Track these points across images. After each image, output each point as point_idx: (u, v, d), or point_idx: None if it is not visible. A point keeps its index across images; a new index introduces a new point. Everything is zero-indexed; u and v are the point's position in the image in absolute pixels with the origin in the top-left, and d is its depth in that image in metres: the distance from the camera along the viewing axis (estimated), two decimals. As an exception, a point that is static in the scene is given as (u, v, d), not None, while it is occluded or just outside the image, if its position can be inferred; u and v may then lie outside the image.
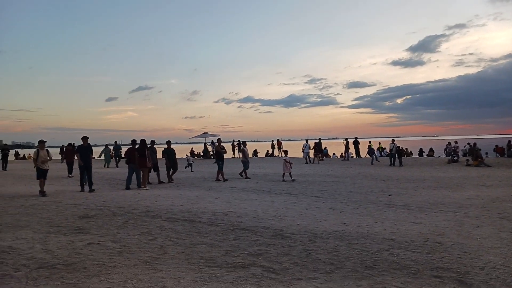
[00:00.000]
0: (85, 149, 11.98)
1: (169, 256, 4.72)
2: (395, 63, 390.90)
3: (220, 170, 14.40)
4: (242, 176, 15.32)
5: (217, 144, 15.24)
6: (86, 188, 11.76)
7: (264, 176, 16.24)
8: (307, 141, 25.40)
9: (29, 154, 52.34)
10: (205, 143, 33.29)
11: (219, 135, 35.17)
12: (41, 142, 11.39)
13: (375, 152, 25.01)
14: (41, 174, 11.00)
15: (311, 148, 25.19)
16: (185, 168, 20.15)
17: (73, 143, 17.65)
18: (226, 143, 15.39)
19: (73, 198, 10.02)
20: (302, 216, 7.39)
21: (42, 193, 10.70)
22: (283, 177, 14.31)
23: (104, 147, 24.55)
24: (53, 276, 3.98)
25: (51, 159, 11.24)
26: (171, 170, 14.44)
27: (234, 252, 4.90)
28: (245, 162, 15.57)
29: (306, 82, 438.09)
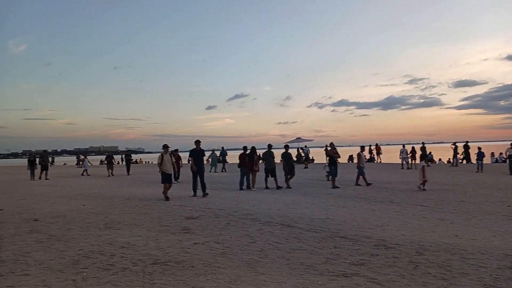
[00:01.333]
0: (197, 153, 11.90)
1: (270, 260, 4.80)
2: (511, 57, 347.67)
3: (334, 175, 13.71)
4: (361, 184, 14.26)
5: (329, 148, 14.32)
6: (199, 192, 11.71)
7: (360, 182, 15.69)
8: (404, 146, 24.58)
9: (140, 159, 57.94)
10: (298, 148, 33.39)
11: (312, 139, 35.05)
12: (165, 147, 11.53)
13: (485, 157, 22.45)
14: (166, 179, 11.21)
15: (408, 153, 23.97)
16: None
17: (177, 149, 19.27)
18: (319, 148, 14.92)
19: (179, 200, 10.80)
20: (406, 226, 6.95)
21: (166, 198, 10.91)
22: (423, 186, 12.39)
23: (211, 152, 25.91)
24: (166, 272, 4.32)
25: (173, 163, 11.65)
26: (289, 175, 14.01)
27: (335, 260, 4.80)
28: (361, 168, 14.34)
29: (406, 83, 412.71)
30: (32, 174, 21.47)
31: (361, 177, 14.29)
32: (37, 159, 22.59)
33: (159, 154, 11.69)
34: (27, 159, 24.25)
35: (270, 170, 13.44)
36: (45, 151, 24.09)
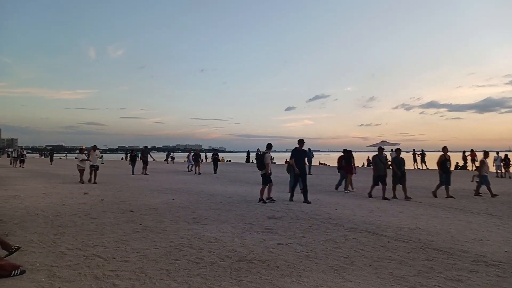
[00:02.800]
0: (300, 153, 10.79)
1: (356, 267, 4.64)
2: None
3: (446, 184, 12.34)
4: (482, 194, 12.82)
5: (442, 153, 12.81)
6: (296, 197, 11.06)
7: (454, 191, 14.50)
8: (497, 152, 22.82)
9: (222, 157, 60.06)
10: (345, 150, 31.79)
11: (399, 143, 33.26)
12: (270, 147, 10.87)
13: None
14: (270, 179, 10.69)
15: (502, 160, 21.93)
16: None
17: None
18: (404, 153, 13.77)
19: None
20: (510, 243, 6.26)
21: (268, 198, 10.58)
22: None
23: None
24: (252, 270, 4.40)
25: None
26: (398, 184, 12.42)
27: (427, 273, 4.48)
28: (485, 176, 12.77)
29: (507, 83, 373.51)
30: (133, 168, 22.89)
31: (478, 186, 12.91)
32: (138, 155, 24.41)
33: (265, 153, 10.73)
34: (128, 154, 26.34)
35: (380, 177, 12.17)
36: (145, 147, 25.56)
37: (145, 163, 23.28)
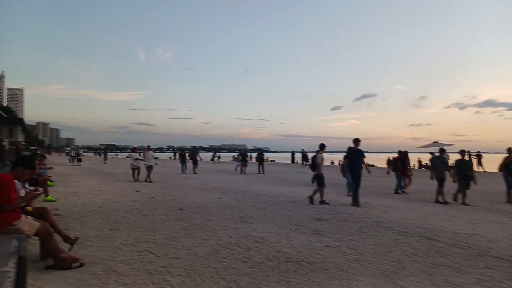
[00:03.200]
0: (356, 153, 10.16)
1: (409, 273, 4.46)
2: None
3: (509, 188, 11.56)
4: None
5: (507, 155, 11.77)
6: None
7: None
8: None
9: (267, 157, 60.13)
10: (432, 153, 30.47)
11: (451, 144, 31.67)
12: (323, 147, 10.52)
13: None
14: (324, 181, 10.34)
15: None
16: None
17: (302, 149, 19.40)
18: (456, 154, 12.80)
19: (306, 200, 10.82)
20: None
21: (323, 201, 10.08)
22: None
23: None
24: (300, 272, 4.36)
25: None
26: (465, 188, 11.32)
27: (487, 282, 4.22)
28: None
29: None
30: (184, 167, 23.69)
31: None
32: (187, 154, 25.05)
33: (315, 153, 10.40)
34: (178, 153, 27.02)
35: (439, 180, 11.38)
36: (194, 147, 26.03)
37: (195, 162, 23.69)
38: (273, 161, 53.12)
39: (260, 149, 39.29)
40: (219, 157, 47.18)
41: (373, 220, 7.96)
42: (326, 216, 8.22)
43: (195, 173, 22.59)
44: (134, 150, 18.51)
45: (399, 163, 14.12)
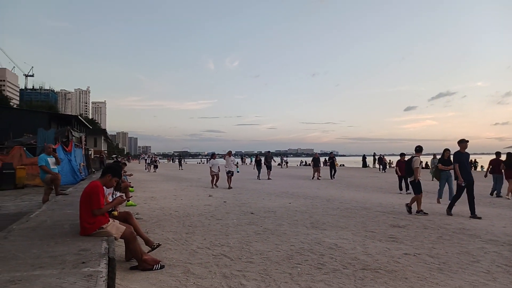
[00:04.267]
0: (465, 157, 9.04)
1: (500, 285, 4.08)
2: None
3: None
4: None
5: None
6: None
7: None
8: None
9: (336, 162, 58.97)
10: (509, 153, 27.41)
11: (545, 144, 28.51)
12: (420, 149, 9.49)
13: None
14: (420, 188, 9.24)
15: None
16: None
17: (374, 153, 18.50)
18: None
19: (380, 206, 10.44)
20: None
21: (421, 211, 9.04)
22: None
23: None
24: (377, 280, 4.19)
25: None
26: None
27: None
28: None
29: None
30: (259, 173, 23.28)
31: None
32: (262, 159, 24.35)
33: (414, 157, 9.42)
34: (252, 159, 26.67)
35: None
36: (268, 152, 25.32)
37: (269, 168, 23.19)
38: (343, 165, 51.79)
39: (332, 152, 37.17)
40: (286, 162, 47.18)
41: (455, 227, 7.43)
42: (403, 223, 7.83)
43: (269, 178, 22.15)
44: (213, 156, 18.22)
45: (503, 165, 13.16)
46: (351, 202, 11.34)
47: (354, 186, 17.70)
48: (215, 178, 16.75)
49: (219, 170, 16.93)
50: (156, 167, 35.04)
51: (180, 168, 39.61)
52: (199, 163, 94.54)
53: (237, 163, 18.00)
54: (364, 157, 43.40)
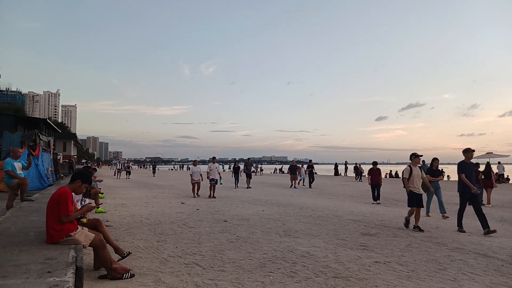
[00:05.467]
0: (470, 169, 8.44)
1: (466, 293, 4.21)
2: None
3: None
4: None
5: None
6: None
7: None
8: None
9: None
10: (488, 164, 28.70)
11: (508, 155, 29.89)
12: (416, 156, 8.64)
13: None
14: (415, 201, 8.36)
15: None
16: None
17: (346, 161, 18.70)
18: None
19: (352, 214, 10.60)
20: None
21: (417, 227, 8.15)
22: None
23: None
24: (349, 288, 4.23)
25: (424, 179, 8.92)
26: None
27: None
28: None
29: None
30: (237, 181, 22.09)
31: None
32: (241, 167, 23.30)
33: (406, 166, 8.88)
34: (232, 166, 25.00)
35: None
36: (248, 159, 23.73)
37: (249, 176, 21.84)
38: (315, 173, 52.28)
39: (311, 160, 35.71)
40: (261, 170, 47.29)
41: (424, 235, 7.63)
42: (373, 231, 7.97)
43: (249, 187, 21.17)
44: (194, 163, 17.01)
45: (482, 175, 13.92)
46: (323, 210, 11.46)
47: (326, 194, 17.91)
48: (196, 186, 15.64)
49: (201, 178, 15.83)
50: (129, 173, 34.23)
51: (153, 175, 38.94)
52: (172, 169, 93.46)
53: (221, 171, 17.21)
54: (336, 165, 44.07)
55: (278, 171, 68.74)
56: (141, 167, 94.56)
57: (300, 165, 25.10)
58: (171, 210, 10.82)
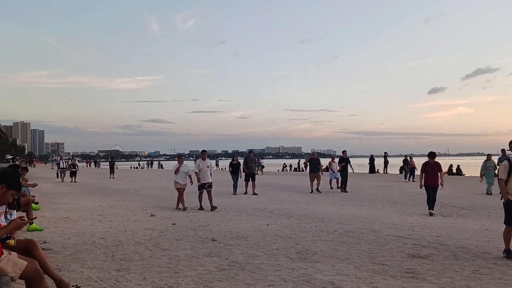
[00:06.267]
0: None
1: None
2: None
3: None
4: None
5: None
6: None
7: None
8: None
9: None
10: None
11: None
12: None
13: None
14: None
15: None
16: None
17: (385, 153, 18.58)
18: None
19: (394, 228, 10.67)
20: None
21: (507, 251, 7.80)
22: None
23: (485, 160, 21.79)
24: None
25: None
26: None
27: None
28: None
29: None
30: (235, 184, 21.76)
31: None
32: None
33: (504, 160, 8.67)
34: (230, 163, 23.26)
35: None
36: (251, 152, 23.74)
37: (251, 177, 21.45)
38: (351, 171, 52.35)
39: (345, 151, 34.05)
40: (262, 166, 47.67)
41: (496, 255, 7.68)
42: (425, 252, 8.02)
43: (255, 193, 20.81)
44: (180, 159, 16.09)
45: None
46: (353, 222, 11.53)
47: (358, 200, 18.00)
48: (183, 193, 15.24)
49: (190, 182, 15.71)
50: (74, 174, 34.07)
51: (111, 176, 38.86)
52: (137, 167, 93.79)
53: (214, 170, 16.25)
54: (371, 159, 44.20)
55: (288, 168, 69.09)
56: (91, 164, 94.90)
57: (332, 158, 24.96)
58: (136, 226, 10.89)
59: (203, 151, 16.12)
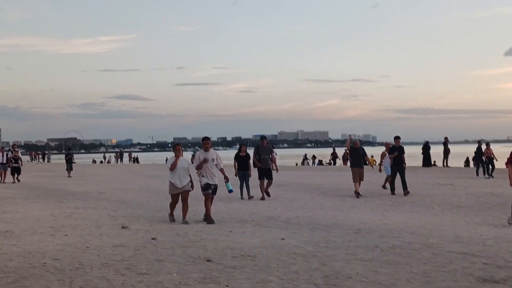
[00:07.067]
0: None
1: None
2: None
3: None
4: None
5: None
6: None
7: None
8: None
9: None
10: None
11: None
12: None
13: None
14: None
15: None
16: None
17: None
18: None
19: (459, 242, 10.62)
20: None
21: None
22: None
23: None
24: None
25: None
26: None
27: None
28: None
29: None
30: (243, 185, 21.63)
31: None
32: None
33: None
34: (236, 154, 21.46)
35: None
36: (264, 138, 23.83)
37: (267, 174, 21.64)
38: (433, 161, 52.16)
39: (398, 137, 32.58)
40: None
41: None
42: (501, 274, 7.99)
43: (267, 195, 21.08)
44: (177, 149, 15.45)
45: None
46: (402, 234, 11.52)
47: (406, 204, 17.97)
48: (177, 198, 14.79)
49: (191, 184, 14.77)
50: (18, 171, 34.06)
51: (69, 174, 38.94)
52: (102, 162, 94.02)
53: (223, 165, 15.64)
54: (426, 146, 43.91)
55: (310, 160, 69.00)
56: (38, 158, 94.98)
57: (386, 146, 24.85)
58: (103, 242, 10.91)
59: (205, 138, 15.08)
